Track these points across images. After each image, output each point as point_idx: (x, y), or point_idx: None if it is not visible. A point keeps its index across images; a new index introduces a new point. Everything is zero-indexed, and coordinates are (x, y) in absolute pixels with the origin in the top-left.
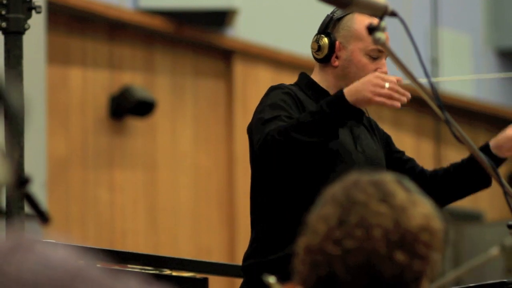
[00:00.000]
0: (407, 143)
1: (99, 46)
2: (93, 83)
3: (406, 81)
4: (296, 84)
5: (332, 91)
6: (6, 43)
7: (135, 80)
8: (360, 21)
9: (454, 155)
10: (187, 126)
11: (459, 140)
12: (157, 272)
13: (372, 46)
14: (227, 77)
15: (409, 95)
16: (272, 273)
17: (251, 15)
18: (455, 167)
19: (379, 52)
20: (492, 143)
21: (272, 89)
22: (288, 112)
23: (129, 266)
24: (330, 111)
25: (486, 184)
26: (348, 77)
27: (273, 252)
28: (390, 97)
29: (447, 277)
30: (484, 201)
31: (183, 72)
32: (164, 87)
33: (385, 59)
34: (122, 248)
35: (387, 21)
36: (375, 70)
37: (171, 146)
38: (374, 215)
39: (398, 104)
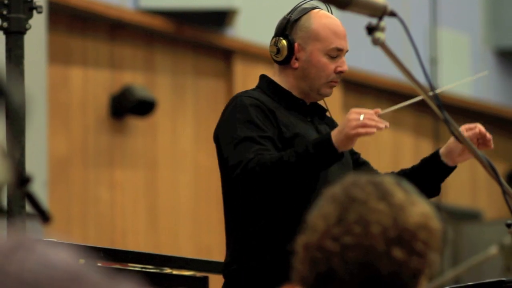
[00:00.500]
0: (406, 142)
1: (100, 45)
2: (93, 83)
3: (386, 110)
4: (258, 87)
5: (294, 92)
6: (7, 43)
7: (136, 80)
8: (317, 21)
9: None
10: (187, 125)
11: (458, 139)
12: (157, 271)
13: (331, 46)
14: (227, 77)
15: (387, 123)
16: (255, 277)
17: (251, 15)
18: (404, 174)
19: (338, 50)
20: (443, 149)
21: (240, 101)
22: (262, 130)
23: (129, 265)
24: (315, 153)
25: (434, 193)
26: (308, 77)
27: (257, 257)
28: (364, 126)
29: (446, 276)
30: (483, 200)
31: (184, 72)
32: (165, 87)
33: (344, 56)
34: (123, 247)
35: (386, 21)
36: (335, 68)
37: (171, 146)
38: (373, 212)
39: (373, 131)
